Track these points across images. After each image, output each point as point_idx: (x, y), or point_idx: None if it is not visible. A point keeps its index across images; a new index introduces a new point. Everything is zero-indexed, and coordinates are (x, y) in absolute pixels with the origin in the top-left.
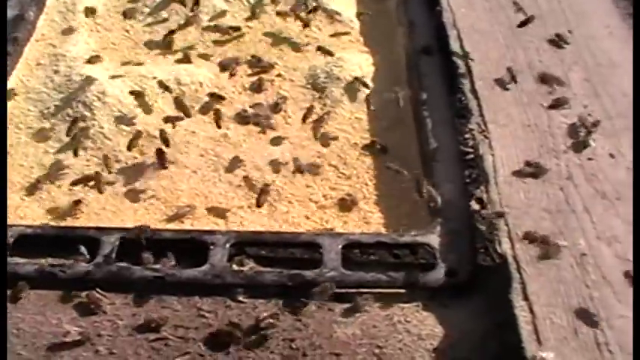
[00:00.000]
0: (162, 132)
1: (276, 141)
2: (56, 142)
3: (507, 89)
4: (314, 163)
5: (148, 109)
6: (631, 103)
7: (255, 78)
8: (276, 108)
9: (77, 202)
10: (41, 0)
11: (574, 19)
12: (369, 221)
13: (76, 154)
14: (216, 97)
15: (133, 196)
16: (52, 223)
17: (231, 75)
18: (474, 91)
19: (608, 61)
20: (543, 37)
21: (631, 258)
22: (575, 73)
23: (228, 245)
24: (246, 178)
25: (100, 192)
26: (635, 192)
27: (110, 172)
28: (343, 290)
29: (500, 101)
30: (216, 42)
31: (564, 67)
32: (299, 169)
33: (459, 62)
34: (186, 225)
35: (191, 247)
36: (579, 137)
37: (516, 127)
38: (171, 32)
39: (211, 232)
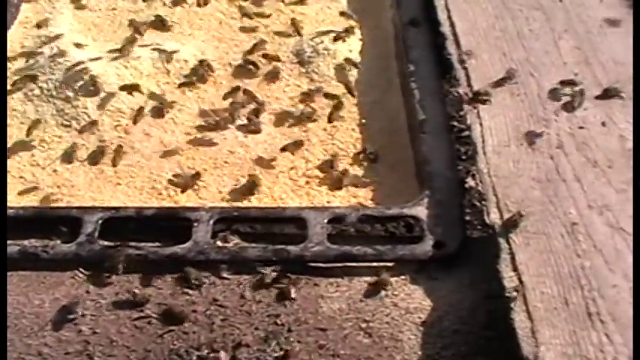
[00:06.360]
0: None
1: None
2: (41, 125)
3: None
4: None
5: (135, 89)
6: (622, 71)
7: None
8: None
9: None
10: None
11: None
12: (356, 195)
13: None
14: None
15: (115, 175)
16: (34, 204)
17: None
18: (461, 62)
19: (598, 28)
20: (532, 6)
21: (623, 227)
22: (565, 41)
23: (211, 222)
24: (232, 153)
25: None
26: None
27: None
28: (329, 265)
29: (489, 71)
30: (202, 19)
31: (554, 35)
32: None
33: (447, 32)
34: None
35: (174, 225)
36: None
37: (505, 97)
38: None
39: (195, 209)
